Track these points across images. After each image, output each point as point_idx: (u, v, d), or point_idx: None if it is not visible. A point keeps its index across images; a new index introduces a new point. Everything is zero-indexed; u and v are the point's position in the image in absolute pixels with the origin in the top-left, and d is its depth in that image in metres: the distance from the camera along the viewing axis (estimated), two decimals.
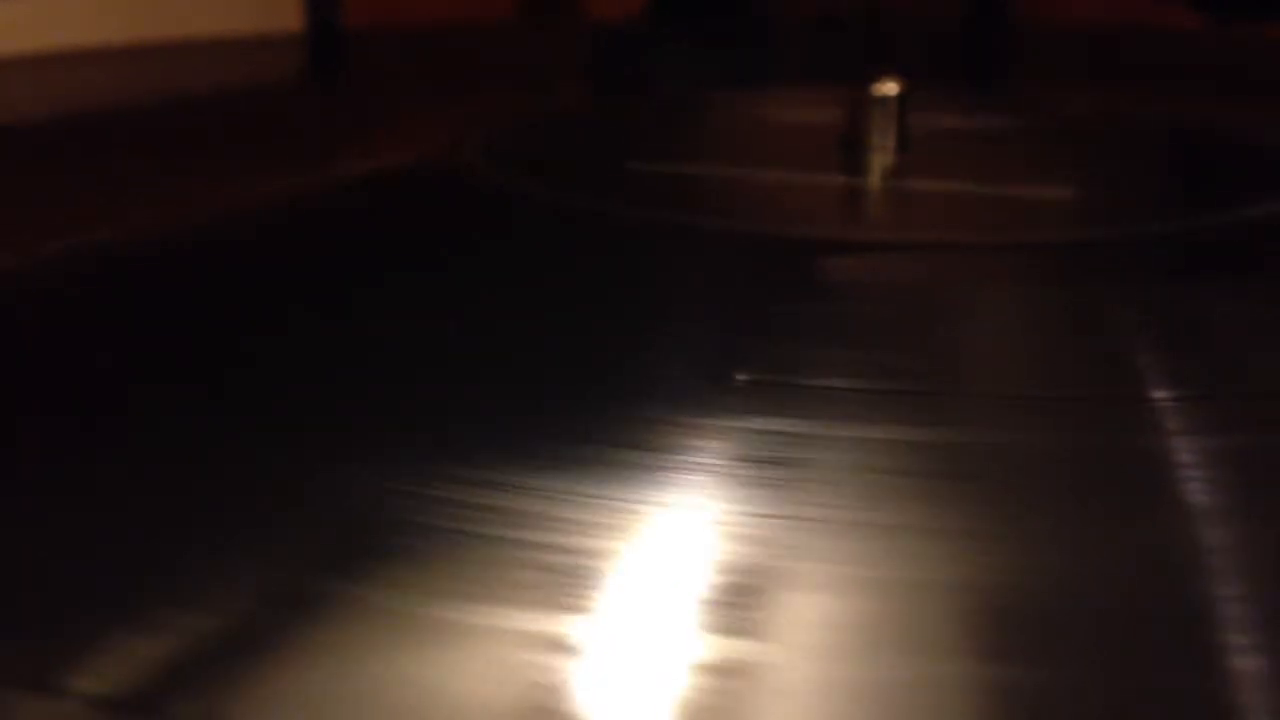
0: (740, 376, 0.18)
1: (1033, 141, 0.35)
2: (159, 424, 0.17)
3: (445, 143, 0.33)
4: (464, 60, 0.50)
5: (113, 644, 0.13)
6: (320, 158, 0.33)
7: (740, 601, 0.13)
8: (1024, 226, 0.26)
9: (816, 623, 0.13)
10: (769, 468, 0.15)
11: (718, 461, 0.16)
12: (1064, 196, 0.28)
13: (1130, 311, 0.21)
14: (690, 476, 0.15)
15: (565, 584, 0.13)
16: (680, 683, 0.12)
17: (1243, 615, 0.13)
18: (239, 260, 0.25)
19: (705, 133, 0.37)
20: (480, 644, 0.12)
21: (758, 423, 0.16)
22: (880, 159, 0.31)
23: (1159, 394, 0.18)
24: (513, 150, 0.33)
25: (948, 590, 0.13)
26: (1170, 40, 0.55)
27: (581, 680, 0.12)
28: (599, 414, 0.17)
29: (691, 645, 0.13)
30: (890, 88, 0.31)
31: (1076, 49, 0.53)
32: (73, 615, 0.13)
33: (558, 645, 0.12)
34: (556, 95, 0.43)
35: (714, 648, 0.12)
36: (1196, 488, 0.15)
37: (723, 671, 0.12)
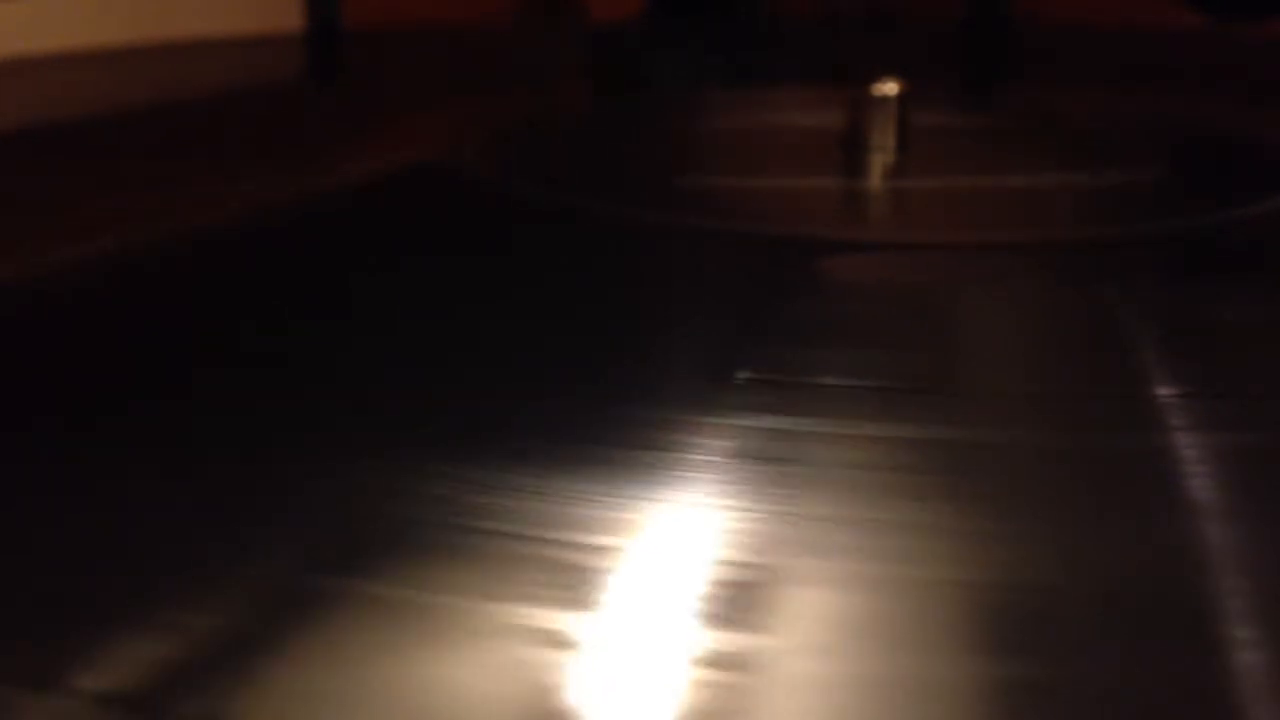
0: (741, 375, 0.18)
1: (1032, 141, 0.35)
2: (160, 424, 0.17)
3: (445, 143, 0.33)
4: (464, 60, 0.50)
5: (114, 643, 0.13)
6: (320, 158, 0.33)
7: (741, 598, 0.13)
8: (1024, 226, 0.26)
9: (817, 619, 0.13)
10: (770, 465, 0.15)
11: (719, 459, 0.16)
12: (1063, 196, 0.28)
13: (1131, 309, 0.21)
14: (692, 474, 0.15)
15: (568, 581, 0.13)
16: (682, 678, 0.12)
17: (1244, 611, 0.13)
18: (239, 260, 0.25)
19: (705, 133, 0.37)
20: (483, 641, 0.12)
21: (759, 420, 0.16)
22: (880, 159, 0.31)
23: (1159, 392, 0.18)
24: (513, 150, 0.33)
25: (948, 587, 0.13)
26: (1170, 40, 0.55)
27: (584, 676, 0.12)
28: (601, 412, 0.17)
29: (693, 641, 0.13)
30: (890, 88, 0.31)
31: (1076, 49, 0.53)
32: (74, 614, 0.13)
33: (561, 641, 0.12)
34: (557, 96, 0.43)
35: (716, 644, 0.12)
36: (1198, 485, 0.15)
37: (725, 667, 0.12)
